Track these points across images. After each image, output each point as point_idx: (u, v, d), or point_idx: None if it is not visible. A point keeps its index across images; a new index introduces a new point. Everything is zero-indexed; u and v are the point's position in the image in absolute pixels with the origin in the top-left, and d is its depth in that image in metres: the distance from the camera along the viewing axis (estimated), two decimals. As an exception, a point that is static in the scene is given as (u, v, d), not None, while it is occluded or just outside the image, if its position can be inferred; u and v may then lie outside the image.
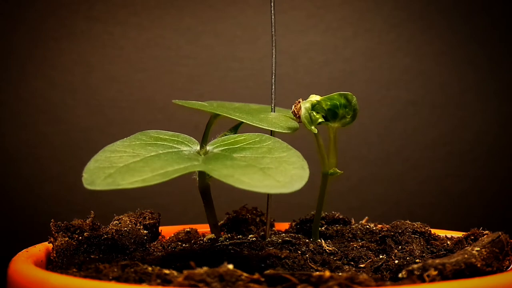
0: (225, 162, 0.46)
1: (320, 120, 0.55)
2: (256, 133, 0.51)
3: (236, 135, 0.52)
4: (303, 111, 0.53)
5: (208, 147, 0.50)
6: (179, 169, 0.44)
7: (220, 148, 0.50)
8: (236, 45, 0.98)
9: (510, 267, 0.47)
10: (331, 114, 0.54)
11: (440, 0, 0.99)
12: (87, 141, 0.95)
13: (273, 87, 0.57)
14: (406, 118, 0.99)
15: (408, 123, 0.99)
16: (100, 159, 0.46)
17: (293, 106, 0.55)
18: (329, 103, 0.54)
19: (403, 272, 0.41)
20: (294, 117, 0.55)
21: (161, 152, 0.47)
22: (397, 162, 0.99)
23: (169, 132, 0.52)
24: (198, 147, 0.50)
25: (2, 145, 0.94)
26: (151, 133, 0.51)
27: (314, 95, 0.55)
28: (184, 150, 0.49)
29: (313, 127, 0.54)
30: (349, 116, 0.55)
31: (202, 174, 0.54)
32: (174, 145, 0.50)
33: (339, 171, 0.55)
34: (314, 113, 0.54)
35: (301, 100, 0.55)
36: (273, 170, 0.44)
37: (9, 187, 0.95)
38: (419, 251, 0.51)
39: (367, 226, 0.59)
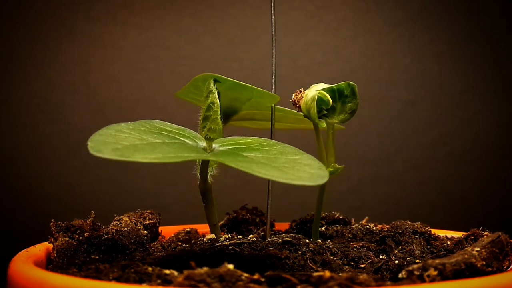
0: (237, 158, 0.45)
1: (323, 112, 0.53)
2: (262, 138, 0.51)
3: (242, 137, 0.51)
4: (310, 105, 0.52)
5: (214, 145, 0.50)
6: (189, 156, 0.43)
7: (228, 147, 0.49)
8: (236, 45, 0.98)
9: (510, 267, 0.47)
10: (329, 108, 0.53)
11: (440, 0, 0.99)
12: (87, 141, 0.95)
13: (273, 87, 0.57)
14: (406, 118, 0.99)
15: (408, 123, 0.99)
16: (105, 134, 0.45)
17: (293, 95, 0.54)
18: (329, 95, 0.52)
19: (403, 272, 0.41)
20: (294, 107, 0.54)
21: (167, 141, 0.47)
22: (397, 162, 0.99)
23: (175, 125, 0.51)
24: (204, 144, 0.50)
25: (2, 145, 0.94)
26: (156, 123, 0.50)
27: (320, 83, 0.53)
28: (190, 143, 0.48)
29: (322, 122, 0.53)
30: (349, 112, 0.54)
31: (203, 174, 0.54)
32: (180, 138, 0.49)
33: (338, 166, 0.54)
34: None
35: (303, 90, 0.54)
36: (289, 169, 0.43)
37: (9, 187, 0.95)
38: (419, 251, 0.51)
39: (367, 226, 0.59)
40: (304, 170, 0.43)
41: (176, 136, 0.49)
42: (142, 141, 0.45)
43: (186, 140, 0.49)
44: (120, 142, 0.43)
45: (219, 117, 0.53)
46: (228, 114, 0.60)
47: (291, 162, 0.45)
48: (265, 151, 0.47)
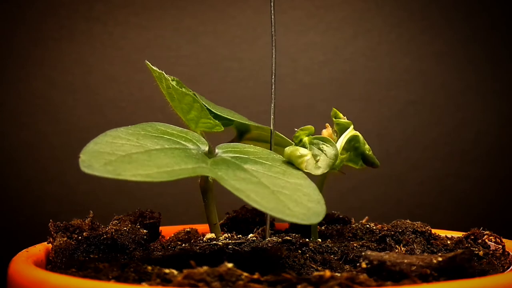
0: (237, 173, 0.44)
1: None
2: (268, 150, 0.50)
3: (246, 145, 0.50)
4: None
5: (217, 150, 0.49)
6: (186, 170, 0.42)
7: (230, 154, 0.48)
8: (236, 45, 0.98)
9: (511, 268, 0.47)
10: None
11: (440, 0, 0.99)
12: (87, 141, 0.94)
13: (273, 87, 0.57)
14: (406, 118, 0.99)
15: (408, 123, 0.99)
16: (101, 142, 0.43)
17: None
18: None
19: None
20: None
21: (167, 146, 0.45)
22: (397, 162, 0.99)
23: (178, 127, 0.50)
24: (207, 148, 0.49)
25: (2, 145, 0.94)
26: (158, 126, 0.49)
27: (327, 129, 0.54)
28: (192, 149, 0.47)
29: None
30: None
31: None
32: (181, 142, 0.47)
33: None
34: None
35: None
36: (286, 196, 0.42)
37: (9, 187, 0.95)
38: (419, 251, 0.51)
39: (367, 226, 0.59)
40: (301, 202, 0.42)
41: (178, 140, 0.47)
42: (139, 148, 0.43)
43: (188, 145, 0.47)
44: (116, 151, 0.42)
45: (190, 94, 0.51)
46: (242, 132, 0.60)
47: (291, 188, 0.43)
48: (268, 166, 0.46)
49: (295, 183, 0.44)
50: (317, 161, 0.49)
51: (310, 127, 0.52)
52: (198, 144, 0.49)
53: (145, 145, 0.44)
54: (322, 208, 0.42)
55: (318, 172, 0.49)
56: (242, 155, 0.48)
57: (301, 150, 0.49)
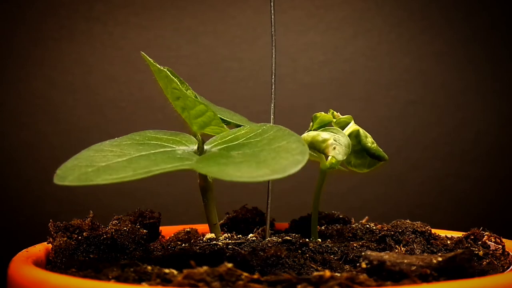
0: (219, 160, 0.44)
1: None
2: (260, 124, 0.50)
3: (238, 128, 0.50)
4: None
5: (206, 146, 0.49)
6: (164, 169, 0.42)
7: (218, 147, 0.48)
8: (236, 45, 0.98)
9: (511, 268, 0.47)
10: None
11: (441, 0, 0.99)
12: (87, 141, 0.94)
13: (273, 87, 0.57)
14: (406, 118, 0.99)
15: (408, 123, 0.99)
16: (81, 157, 0.44)
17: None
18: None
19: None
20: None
21: (152, 152, 0.45)
22: (397, 162, 0.99)
23: (169, 131, 0.51)
24: (196, 147, 0.49)
25: (2, 145, 0.94)
26: (148, 133, 0.49)
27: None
28: (178, 150, 0.47)
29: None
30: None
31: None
32: (169, 145, 0.48)
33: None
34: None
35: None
36: (268, 162, 0.41)
37: (9, 187, 0.95)
38: (419, 251, 0.51)
39: (367, 226, 0.59)
40: (280, 163, 0.40)
41: (166, 144, 0.48)
42: (121, 157, 0.44)
43: (176, 147, 0.48)
44: (95, 163, 0.42)
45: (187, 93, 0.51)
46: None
47: (273, 152, 0.42)
48: (255, 143, 0.45)
49: (278, 146, 0.43)
50: (333, 149, 0.49)
51: (328, 116, 0.51)
52: (188, 144, 0.49)
53: (128, 153, 0.45)
54: (303, 157, 0.40)
55: (340, 157, 0.48)
56: (230, 143, 0.47)
57: (323, 134, 0.49)
